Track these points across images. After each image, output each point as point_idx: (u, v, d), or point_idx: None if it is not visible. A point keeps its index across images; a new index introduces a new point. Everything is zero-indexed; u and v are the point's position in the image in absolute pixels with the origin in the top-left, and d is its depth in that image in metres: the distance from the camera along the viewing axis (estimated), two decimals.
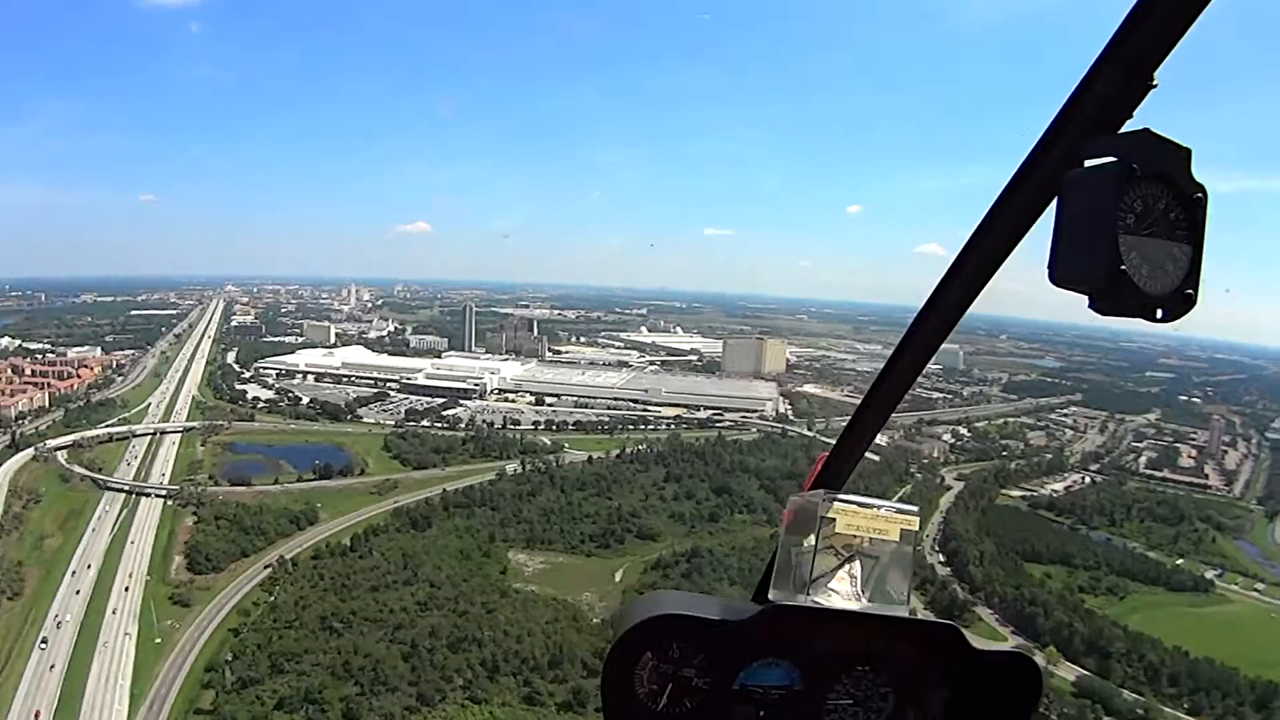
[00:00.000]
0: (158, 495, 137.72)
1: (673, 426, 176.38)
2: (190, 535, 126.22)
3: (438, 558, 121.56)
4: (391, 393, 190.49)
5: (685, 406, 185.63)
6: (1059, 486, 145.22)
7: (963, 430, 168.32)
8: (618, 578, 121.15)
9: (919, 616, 3.39)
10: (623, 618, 3.53)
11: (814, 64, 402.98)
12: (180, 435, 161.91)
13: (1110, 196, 2.37)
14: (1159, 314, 2.44)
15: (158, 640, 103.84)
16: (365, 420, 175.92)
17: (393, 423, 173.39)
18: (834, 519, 3.29)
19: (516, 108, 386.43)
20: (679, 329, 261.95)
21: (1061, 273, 2.44)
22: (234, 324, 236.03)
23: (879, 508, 3.34)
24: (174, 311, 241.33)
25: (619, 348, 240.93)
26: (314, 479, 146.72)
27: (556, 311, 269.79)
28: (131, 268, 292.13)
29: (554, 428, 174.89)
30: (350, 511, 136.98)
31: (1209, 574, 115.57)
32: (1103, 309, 2.40)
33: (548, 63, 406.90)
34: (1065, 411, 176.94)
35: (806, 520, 3.39)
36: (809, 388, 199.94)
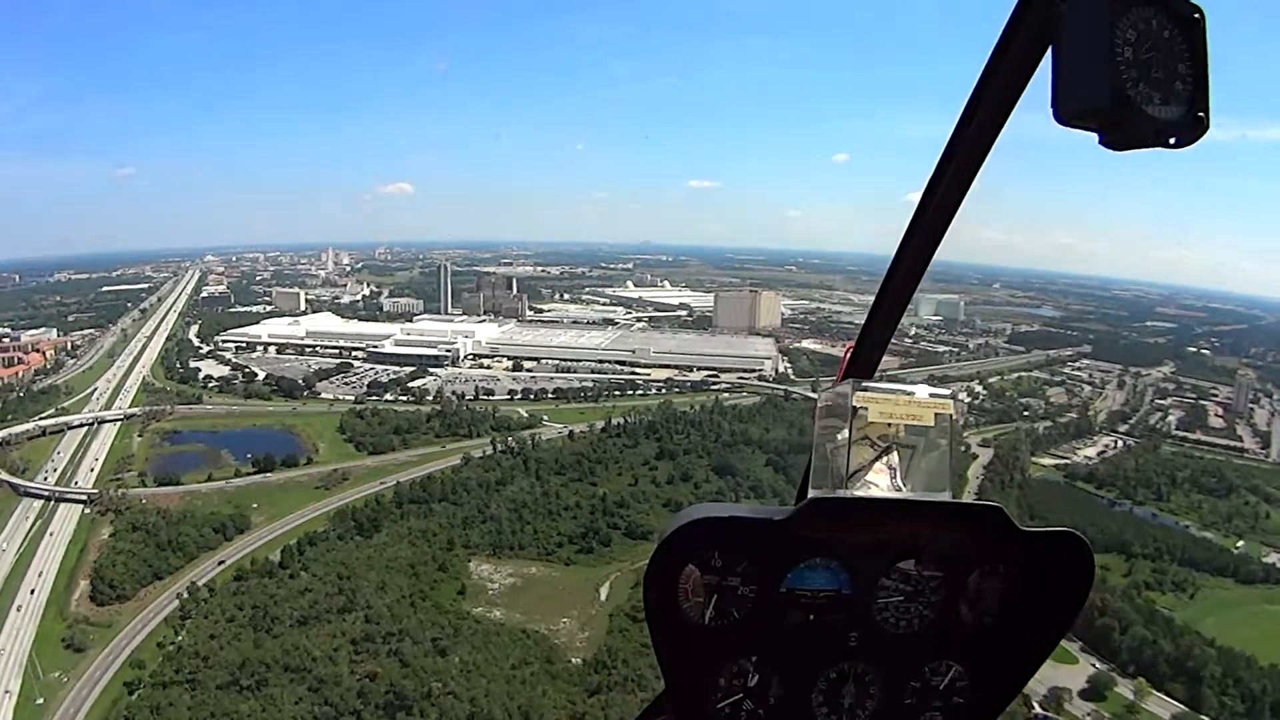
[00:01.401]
0: (76, 501, 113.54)
1: (664, 391, 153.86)
2: (101, 552, 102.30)
3: (383, 573, 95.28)
4: (357, 363, 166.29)
5: (677, 368, 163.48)
6: (1091, 453, 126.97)
7: (978, 387, 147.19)
8: (603, 595, 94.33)
9: (961, 501, 2.99)
10: (666, 527, 3.07)
11: (794, 10, 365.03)
12: (119, 424, 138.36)
13: (1104, 23, 2.20)
14: (1172, 140, 2.28)
15: (40, 700, 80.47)
16: (324, 396, 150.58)
17: (352, 398, 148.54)
18: (866, 409, 2.94)
19: (495, 61, 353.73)
20: (666, 283, 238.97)
21: (1066, 108, 2.25)
22: (204, 295, 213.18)
23: (911, 393, 3.01)
24: (146, 286, 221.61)
25: (604, 304, 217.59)
26: (254, 472, 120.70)
27: (540, 268, 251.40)
28: (111, 243, 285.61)
29: (532, 397, 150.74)
30: (288, 514, 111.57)
31: (1274, 559, 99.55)
32: (1115, 141, 2.24)
33: (524, 12, 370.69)
34: (1077, 365, 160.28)
35: (839, 414, 3.03)
36: (808, 343, 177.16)
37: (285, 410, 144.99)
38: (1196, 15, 2.28)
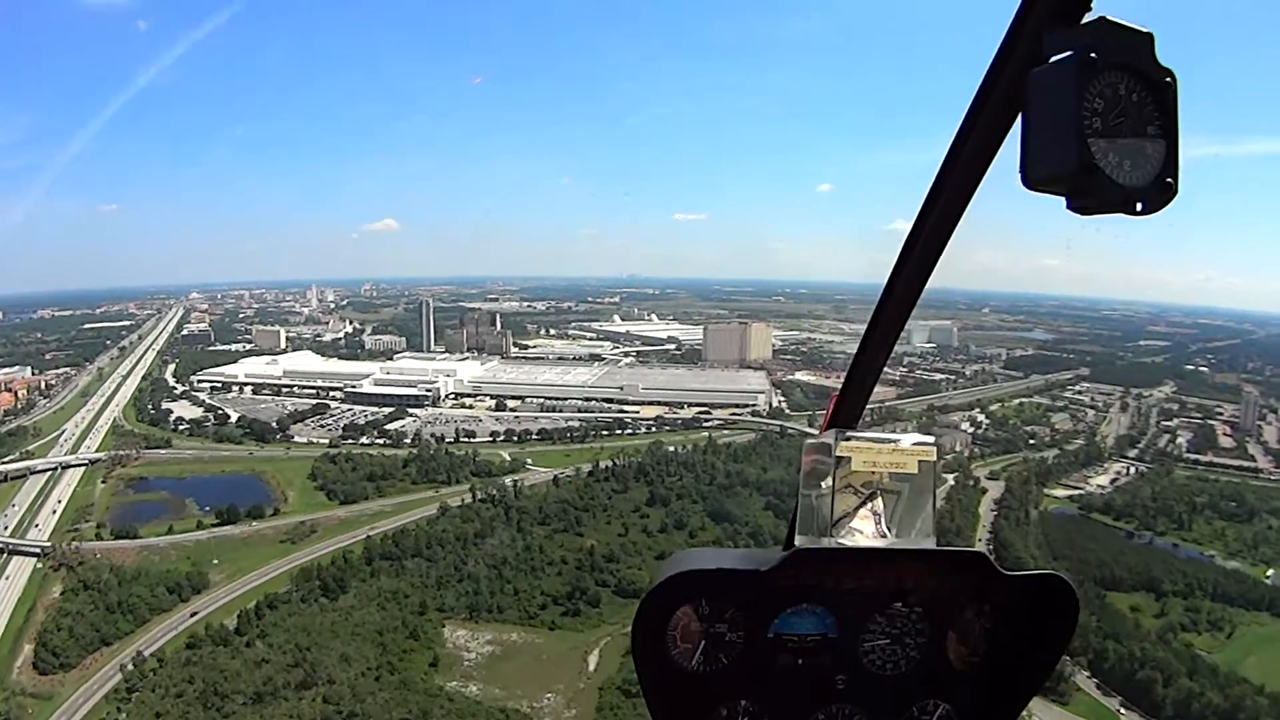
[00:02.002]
0: (29, 554, 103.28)
1: (654, 429, 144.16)
2: (48, 614, 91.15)
3: (348, 642, 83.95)
4: (334, 404, 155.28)
5: (667, 404, 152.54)
6: (1104, 481, 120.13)
7: (979, 416, 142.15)
8: (592, 664, 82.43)
9: (945, 547, 3.08)
10: (652, 579, 3.17)
11: (778, 42, 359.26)
12: (84, 470, 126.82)
13: (1071, 90, 2.16)
14: (1139, 206, 2.22)
15: None
16: (297, 440, 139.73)
17: (326, 441, 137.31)
18: (850, 457, 3.03)
19: (481, 100, 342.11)
20: (654, 316, 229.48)
21: (1034, 174, 2.24)
22: (185, 333, 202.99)
23: (895, 441, 3.08)
24: (128, 323, 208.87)
25: (591, 339, 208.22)
26: (217, 524, 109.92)
27: (526, 304, 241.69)
28: (97, 280, 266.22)
29: (515, 438, 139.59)
30: (250, 571, 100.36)
31: None
32: (1081, 207, 2.20)
33: (512, 52, 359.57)
34: (1077, 389, 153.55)
35: (823, 462, 3.09)
36: (801, 375, 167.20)
37: (256, 455, 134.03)
38: (1168, 79, 2.24)
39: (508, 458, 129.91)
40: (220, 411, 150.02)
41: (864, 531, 2.99)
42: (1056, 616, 3.11)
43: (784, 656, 3.12)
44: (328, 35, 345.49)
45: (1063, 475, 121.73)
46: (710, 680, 3.11)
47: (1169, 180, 2.20)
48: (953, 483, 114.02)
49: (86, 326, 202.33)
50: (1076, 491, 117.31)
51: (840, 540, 2.98)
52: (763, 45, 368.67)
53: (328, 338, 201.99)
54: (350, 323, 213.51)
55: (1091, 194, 2.12)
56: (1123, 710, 76.46)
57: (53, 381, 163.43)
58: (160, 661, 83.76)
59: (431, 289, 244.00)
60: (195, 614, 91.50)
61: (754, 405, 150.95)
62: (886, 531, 3.00)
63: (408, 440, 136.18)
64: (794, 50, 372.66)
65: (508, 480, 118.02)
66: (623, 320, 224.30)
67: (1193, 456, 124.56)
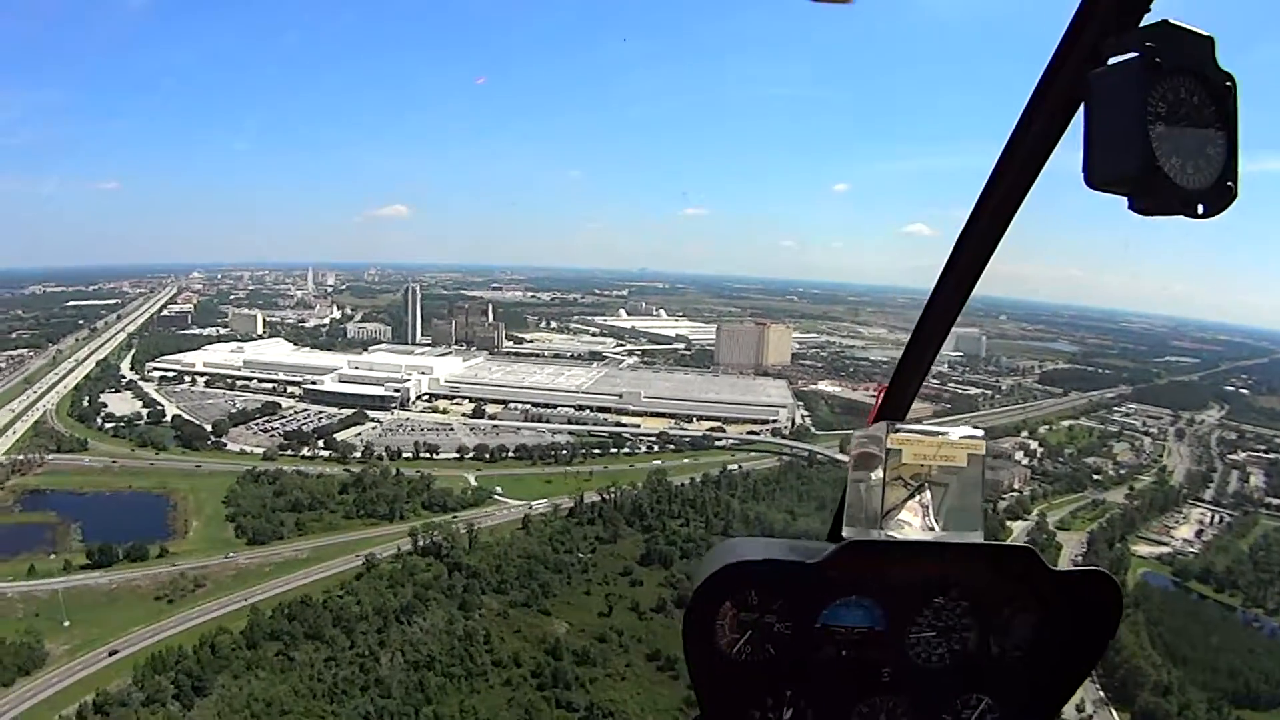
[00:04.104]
0: None
1: (655, 448, 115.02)
2: None
3: None
4: (290, 401, 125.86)
5: (673, 416, 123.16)
6: (1188, 534, 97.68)
7: (1031, 443, 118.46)
8: None
9: (993, 542, 2.94)
10: (700, 569, 3.03)
11: (799, 40, 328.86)
12: None
13: (1136, 91, 2.08)
14: (1200, 208, 2.13)
15: None
16: (230, 448, 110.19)
17: (261, 452, 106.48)
18: (900, 450, 2.85)
19: (497, 88, 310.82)
20: (662, 311, 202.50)
21: (1097, 175, 2.13)
22: (166, 314, 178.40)
23: (944, 434, 2.89)
24: (115, 302, 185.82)
25: (594, 334, 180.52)
26: (89, 565, 78.60)
27: (530, 294, 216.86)
28: (100, 257, 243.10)
29: (487, 456, 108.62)
30: (101, 643, 67.57)
31: None
32: (1143, 208, 2.11)
33: (526, 42, 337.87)
34: (1124, 410, 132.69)
35: (873, 454, 2.93)
36: (825, 385, 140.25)
37: (177, 465, 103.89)
38: (1229, 83, 2.15)
39: (473, 483, 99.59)
40: (158, 408, 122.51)
41: (912, 523, 2.84)
42: (1101, 613, 2.94)
43: (830, 648, 2.95)
44: (344, 27, 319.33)
45: (1140, 523, 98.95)
46: (757, 670, 2.95)
47: (1229, 184, 2.11)
48: (1021, 533, 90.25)
49: (71, 304, 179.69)
50: (1163, 549, 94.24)
51: (890, 533, 2.82)
52: (784, 42, 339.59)
53: (311, 323, 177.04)
54: (338, 308, 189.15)
55: (1154, 195, 2.05)
56: None
57: (2, 365, 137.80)
58: None
59: (437, 275, 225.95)
60: None
61: (774, 422, 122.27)
62: (934, 525, 2.84)
63: (356, 455, 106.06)
64: (816, 49, 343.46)
65: (463, 522, 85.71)
66: (629, 315, 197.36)
67: (1276, 501, 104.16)
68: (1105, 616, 2.93)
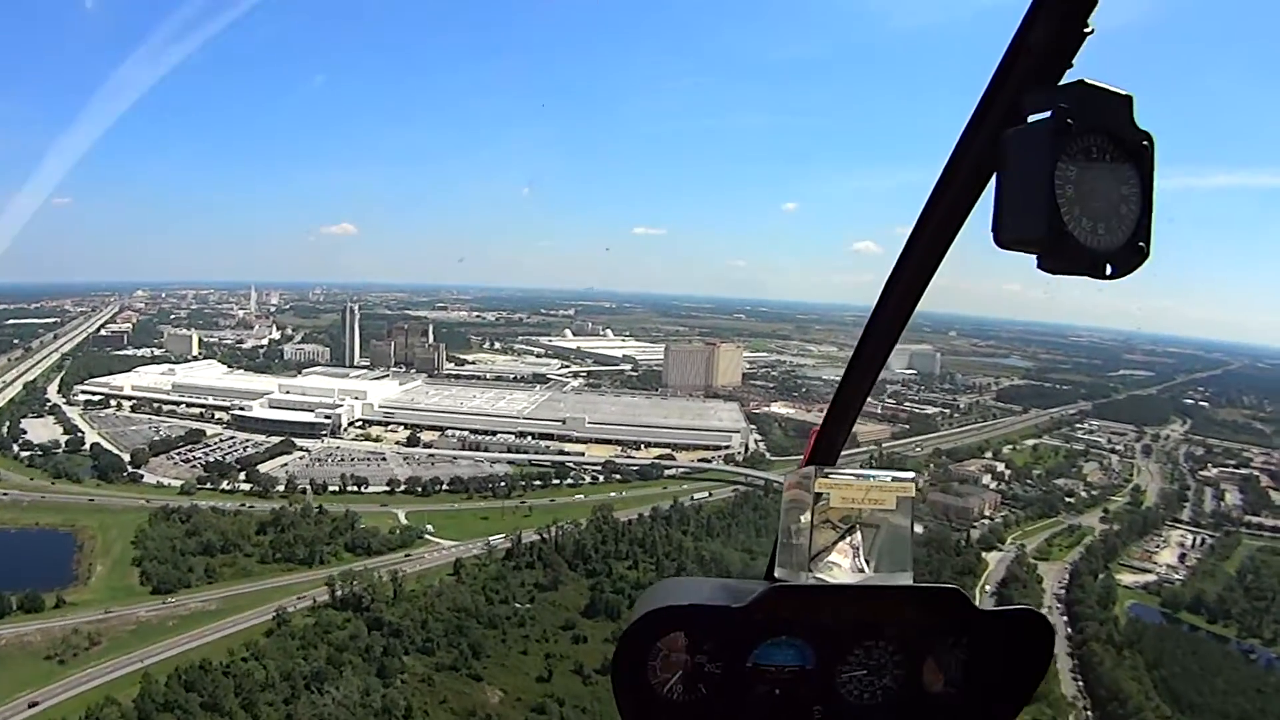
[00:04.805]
0: None
1: (601, 479, 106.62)
2: None
3: None
4: (217, 428, 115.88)
5: (620, 443, 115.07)
6: (1171, 559, 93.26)
7: (998, 465, 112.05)
8: None
9: (921, 584, 2.91)
10: (633, 611, 3.04)
11: (749, 59, 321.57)
12: None
13: (1046, 153, 2.02)
14: (1109, 269, 2.07)
15: None
16: (147, 480, 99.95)
17: (179, 485, 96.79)
18: (829, 494, 2.87)
19: (442, 105, 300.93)
20: (609, 331, 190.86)
21: (1006, 234, 2.10)
22: (103, 334, 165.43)
23: (873, 478, 2.90)
24: (54, 321, 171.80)
25: (538, 355, 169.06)
26: None
27: (475, 314, 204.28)
28: (44, 274, 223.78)
29: (419, 489, 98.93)
30: None
31: None
32: (1051, 267, 2.04)
33: (471, 56, 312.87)
34: (1086, 427, 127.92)
35: (803, 498, 2.94)
36: (777, 407, 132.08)
37: (91, 501, 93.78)
38: (1145, 143, 2.11)
39: (403, 521, 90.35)
40: (79, 435, 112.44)
41: (842, 566, 2.87)
42: (1032, 651, 2.99)
43: (762, 687, 2.94)
44: (293, 44, 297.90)
45: (1121, 550, 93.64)
46: (690, 710, 2.93)
47: (1141, 244, 2.08)
48: (999, 568, 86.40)
49: (9, 324, 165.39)
50: (1147, 577, 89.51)
51: (818, 575, 2.84)
52: (733, 61, 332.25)
53: (249, 344, 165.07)
54: (277, 328, 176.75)
55: (1061, 257, 2.00)
56: None
57: None
58: None
59: (383, 295, 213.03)
60: None
61: (727, 447, 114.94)
62: (864, 566, 2.87)
63: (279, 488, 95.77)
64: (766, 68, 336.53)
65: (389, 567, 76.42)
66: (574, 335, 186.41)
67: (1254, 520, 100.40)
68: (1036, 654, 2.96)
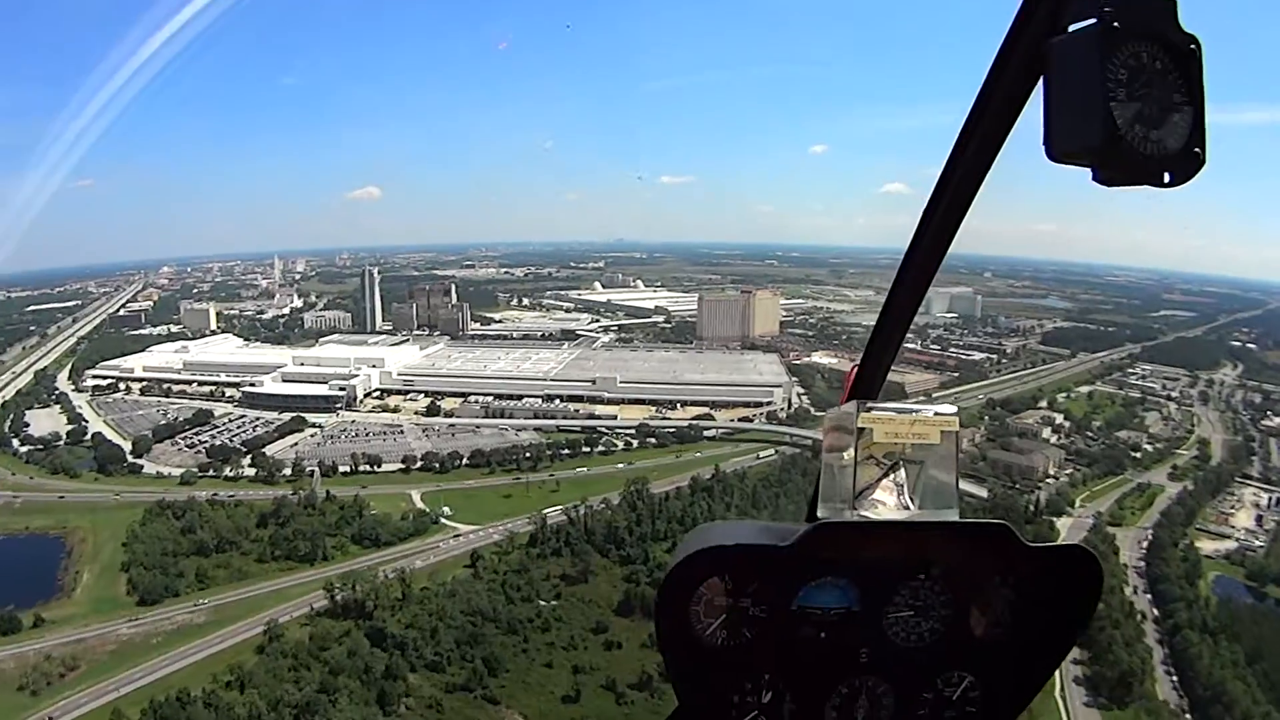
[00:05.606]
0: None
1: (635, 444, 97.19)
2: None
3: None
4: (226, 407, 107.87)
5: (655, 403, 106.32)
6: (1248, 521, 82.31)
7: (1056, 416, 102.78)
8: None
9: (968, 519, 2.83)
10: (674, 555, 2.90)
11: (773, 6, 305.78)
12: None
13: (1094, 59, 1.97)
14: (1167, 176, 2.02)
15: None
16: (148, 470, 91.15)
17: (180, 474, 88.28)
18: (872, 429, 2.74)
19: (462, 61, 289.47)
20: (640, 283, 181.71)
21: (1058, 147, 2.05)
22: (119, 314, 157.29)
23: (916, 411, 2.78)
24: (76, 304, 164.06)
25: (567, 310, 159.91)
26: None
27: (504, 270, 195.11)
28: (70, 258, 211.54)
29: (437, 466, 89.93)
30: None
31: None
32: (1107, 178, 2.01)
33: (491, 11, 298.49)
34: (1138, 372, 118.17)
35: (845, 434, 2.81)
36: (819, 357, 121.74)
37: (85, 495, 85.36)
38: (1193, 46, 2.04)
39: (417, 504, 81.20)
40: (83, 424, 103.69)
41: (886, 504, 2.71)
42: (1080, 589, 2.86)
43: (808, 629, 2.82)
44: (311, 11, 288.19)
45: (1194, 514, 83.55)
46: (734, 654, 2.83)
47: (1196, 150, 1.99)
48: (1073, 537, 70.01)
49: (30, 309, 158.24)
50: (1227, 544, 79.16)
51: (862, 513, 2.70)
52: (760, 6, 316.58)
53: (269, 314, 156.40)
54: (299, 296, 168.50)
55: (1118, 166, 1.95)
56: None
57: None
58: None
59: (409, 257, 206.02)
60: None
61: (769, 404, 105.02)
62: (909, 503, 2.72)
63: (285, 472, 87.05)
64: (788, 7, 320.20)
65: (398, 560, 67.49)
66: (604, 288, 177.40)
67: None
68: (1086, 593, 2.85)
